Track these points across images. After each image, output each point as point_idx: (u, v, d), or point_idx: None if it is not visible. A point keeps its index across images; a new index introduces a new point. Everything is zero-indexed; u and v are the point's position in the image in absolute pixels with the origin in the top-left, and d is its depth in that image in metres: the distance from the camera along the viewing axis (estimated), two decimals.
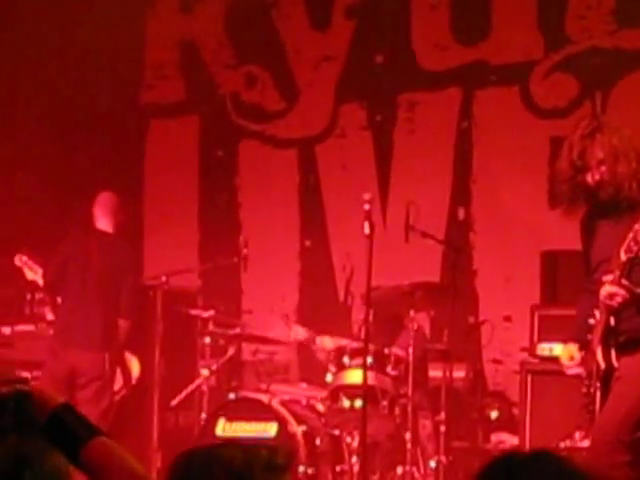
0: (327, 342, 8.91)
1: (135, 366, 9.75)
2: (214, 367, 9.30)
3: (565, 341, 7.29)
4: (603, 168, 6.63)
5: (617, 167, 6.60)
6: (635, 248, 6.24)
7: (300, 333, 9.06)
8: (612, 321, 6.55)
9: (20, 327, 10.26)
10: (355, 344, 8.65)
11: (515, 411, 8.92)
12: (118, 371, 9.51)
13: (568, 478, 2.74)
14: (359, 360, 8.39)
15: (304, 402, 8.89)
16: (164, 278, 9.89)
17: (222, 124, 11.33)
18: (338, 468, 8.33)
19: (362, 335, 8.38)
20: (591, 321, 6.69)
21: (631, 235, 6.22)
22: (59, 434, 2.86)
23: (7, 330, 10.22)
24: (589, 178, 6.66)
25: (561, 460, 2.74)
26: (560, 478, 2.67)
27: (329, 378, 8.67)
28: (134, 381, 9.74)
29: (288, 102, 11.12)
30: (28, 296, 10.32)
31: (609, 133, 6.75)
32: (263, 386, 9.12)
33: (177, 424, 9.48)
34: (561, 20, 9.98)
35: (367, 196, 8.30)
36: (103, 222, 9.58)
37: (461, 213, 10.23)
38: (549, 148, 9.45)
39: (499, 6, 10.23)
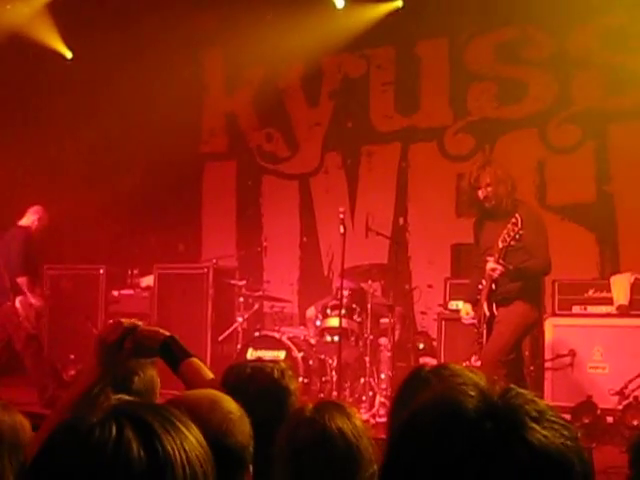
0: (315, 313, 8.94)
1: None
2: (245, 316, 9.29)
3: (464, 301, 7.37)
4: (489, 189, 6.71)
5: (498, 188, 6.69)
6: (508, 240, 6.31)
7: (312, 312, 8.99)
8: (493, 286, 6.63)
9: (124, 291, 10.28)
10: (334, 302, 8.66)
11: (434, 343, 8.91)
12: None
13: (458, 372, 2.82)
14: (336, 312, 8.44)
15: (302, 338, 8.87)
16: (214, 260, 9.94)
17: (251, 165, 11.26)
18: (323, 379, 8.34)
19: (338, 296, 8.44)
20: (480, 287, 6.76)
21: (505, 231, 6.29)
22: (167, 355, 2.89)
23: (116, 293, 10.21)
24: (480, 194, 6.75)
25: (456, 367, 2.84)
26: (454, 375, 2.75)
27: (318, 323, 8.72)
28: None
29: (292, 151, 11.08)
30: (129, 272, 10.29)
31: (494, 166, 6.84)
32: (276, 328, 9.11)
33: (222, 352, 9.44)
34: (464, 100, 9.99)
35: (341, 209, 8.38)
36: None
37: (401, 220, 10.22)
38: (455, 179, 9.49)
39: (424, 91, 10.24)
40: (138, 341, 2.93)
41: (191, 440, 1.40)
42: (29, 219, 8.84)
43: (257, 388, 3.01)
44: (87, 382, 2.89)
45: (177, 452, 1.36)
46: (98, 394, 3.22)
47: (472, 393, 1.20)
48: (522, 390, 1.22)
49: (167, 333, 2.96)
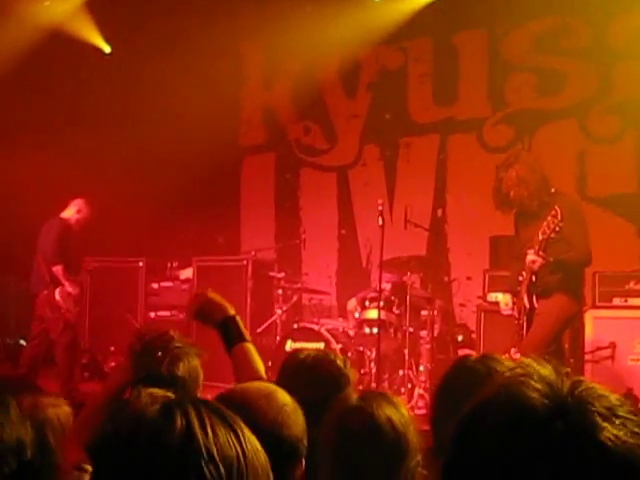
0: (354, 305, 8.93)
1: None
2: (284, 308, 9.34)
3: (503, 292, 7.34)
4: (512, 192, 6.76)
5: (519, 190, 6.71)
6: (548, 232, 6.28)
7: (352, 304, 8.96)
8: (533, 278, 6.60)
9: (163, 283, 10.33)
10: (373, 294, 8.67)
11: (473, 336, 8.89)
12: None
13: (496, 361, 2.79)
14: (375, 304, 8.46)
15: (341, 330, 8.88)
16: (254, 253, 9.99)
17: (289, 158, 11.31)
18: (362, 371, 8.27)
19: (377, 288, 8.44)
20: (520, 278, 6.74)
21: (545, 223, 6.27)
22: (225, 331, 3.02)
23: (155, 285, 10.29)
24: (510, 194, 6.81)
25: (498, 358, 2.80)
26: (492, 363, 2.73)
27: (356, 315, 8.74)
28: None
29: (330, 144, 11.10)
30: (168, 264, 10.36)
31: (518, 167, 6.86)
32: (315, 320, 9.12)
33: (261, 344, 9.43)
34: (502, 91, 9.96)
35: (380, 201, 8.39)
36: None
37: (439, 212, 10.21)
38: (494, 171, 9.43)
39: (462, 83, 10.21)
40: (205, 308, 3.07)
41: (251, 436, 1.42)
42: (70, 211, 8.98)
43: (320, 373, 3.04)
44: (118, 381, 2.96)
45: (245, 443, 1.38)
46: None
47: (539, 386, 1.16)
48: (591, 383, 1.18)
49: (232, 312, 3.06)
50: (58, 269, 8.65)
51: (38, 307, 8.75)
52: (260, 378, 2.93)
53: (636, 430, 1.12)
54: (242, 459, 1.35)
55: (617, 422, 1.11)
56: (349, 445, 2.44)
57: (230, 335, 3.00)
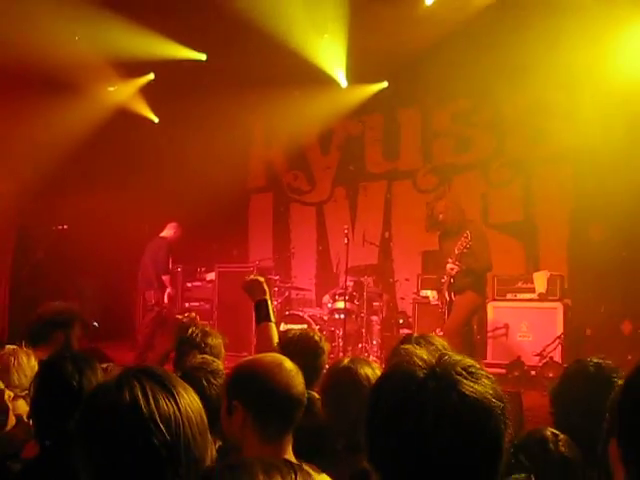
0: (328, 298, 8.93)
1: None
2: (279, 300, 9.32)
3: (431, 289, 7.40)
4: (441, 215, 6.80)
5: (447, 215, 6.75)
6: (461, 248, 6.36)
7: (326, 298, 8.96)
8: (452, 280, 6.65)
9: (195, 283, 10.30)
10: (340, 291, 8.66)
11: (410, 320, 8.89)
12: None
13: (432, 338, 2.84)
14: (342, 297, 8.46)
15: (318, 316, 8.87)
16: (257, 262, 9.97)
17: (282, 196, 11.29)
18: (333, 344, 8.17)
19: (343, 287, 8.47)
20: (442, 280, 6.79)
21: (460, 242, 6.35)
22: (257, 309, 3.03)
23: (189, 284, 10.26)
24: (439, 218, 6.85)
25: (430, 336, 2.86)
26: (429, 340, 2.78)
27: (329, 305, 8.75)
28: None
29: (311, 186, 11.10)
30: (198, 269, 10.35)
31: (445, 200, 6.95)
32: (300, 309, 9.12)
33: None
34: (430, 151, 10.01)
35: (345, 226, 8.43)
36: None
37: (387, 234, 10.25)
38: (424, 206, 9.43)
39: (403, 145, 10.26)
40: (252, 286, 3.06)
41: (185, 394, 1.38)
42: (169, 232, 8.70)
43: (303, 346, 3.04)
44: (164, 348, 2.94)
45: (189, 403, 1.37)
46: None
47: (420, 363, 1.23)
48: (453, 354, 1.26)
49: (265, 296, 3.03)
50: (167, 278, 8.52)
51: (147, 301, 8.59)
52: (274, 349, 2.87)
53: (484, 381, 1.21)
54: (177, 413, 1.32)
55: (471, 377, 1.20)
56: (339, 391, 2.44)
57: (259, 314, 2.97)
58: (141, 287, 8.77)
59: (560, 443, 2.31)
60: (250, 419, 2.03)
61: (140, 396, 1.30)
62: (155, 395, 1.32)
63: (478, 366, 1.25)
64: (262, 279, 3.19)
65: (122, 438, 1.27)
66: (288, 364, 2.16)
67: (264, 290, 3.13)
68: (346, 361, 2.58)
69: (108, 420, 1.30)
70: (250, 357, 2.30)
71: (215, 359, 3.00)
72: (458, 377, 1.19)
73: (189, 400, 1.37)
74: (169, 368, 2.98)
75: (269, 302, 3.07)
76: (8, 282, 9.99)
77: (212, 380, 2.62)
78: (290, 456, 2.05)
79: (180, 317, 3.15)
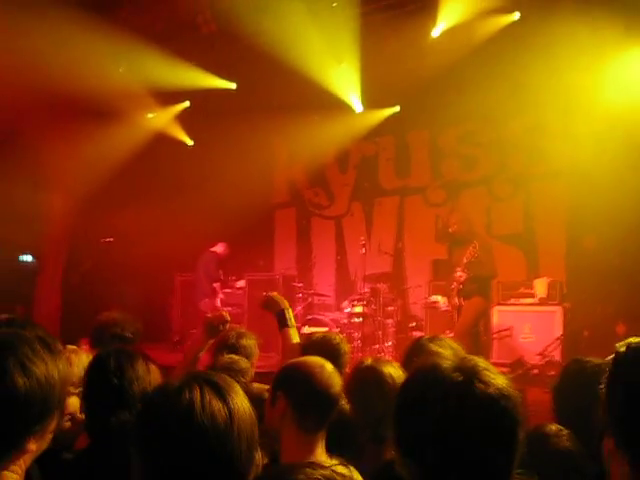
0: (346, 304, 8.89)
1: None
2: (302, 306, 9.33)
3: (441, 295, 7.36)
4: (455, 227, 6.77)
5: (460, 227, 6.72)
6: (469, 257, 6.33)
7: (345, 303, 8.89)
8: (460, 287, 6.62)
9: (227, 290, 10.20)
10: (358, 296, 8.66)
11: (422, 323, 8.85)
12: None
13: (443, 340, 2.80)
14: (360, 302, 8.45)
15: (338, 319, 8.83)
16: (283, 271, 10.01)
17: (304, 211, 11.27)
18: (351, 345, 8.22)
19: (361, 292, 8.45)
20: (452, 286, 6.76)
21: (468, 252, 6.32)
22: (279, 318, 3.05)
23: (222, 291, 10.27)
24: (450, 230, 6.80)
25: (441, 337, 2.82)
26: (440, 342, 2.74)
27: (348, 310, 8.71)
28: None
29: (330, 202, 11.07)
30: (230, 278, 10.34)
31: (457, 213, 6.90)
32: (322, 313, 9.13)
33: None
34: (439, 169, 9.95)
35: (362, 238, 8.46)
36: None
37: (400, 244, 10.16)
38: (434, 218, 9.50)
39: (413, 163, 10.24)
40: (268, 302, 3.08)
41: (238, 399, 1.35)
42: (219, 248, 9.30)
43: (325, 347, 3.02)
44: (196, 347, 2.92)
45: (239, 403, 1.33)
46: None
47: (446, 359, 1.29)
48: (472, 356, 1.31)
49: (284, 306, 3.05)
50: (218, 285, 8.95)
51: (202, 309, 8.73)
52: (295, 348, 2.88)
53: (503, 377, 1.28)
54: (229, 419, 1.29)
55: (491, 372, 1.26)
56: (365, 388, 2.42)
57: (280, 323, 3.01)
58: (195, 298, 8.94)
59: (565, 438, 2.26)
60: (290, 409, 2.05)
61: (197, 402, 1.28)
62: (211, 403, 1.29)
63: (494, 368, 1.29)
64: (275, 294, 3.25)
65: (172, 442, 1.24)
66: (329, 366, 2.16)
67: (279, 303, 3.17)
68: (369, 361, 2.56)
69: (163, 422, 1.27)
70: (293, 360, 2.29)
71: (242, 358, 2.97)
72: (481, 369, 1.25)
73: (243, 411, 1.33)
74: (200, 366, 2.96)
75: (286, 312, 3.11)
76: (60, 289, 10.10)
77: (239, 378, 2.64)
78: (323, 449, 2.05)
79: (209, 315, 3.11)
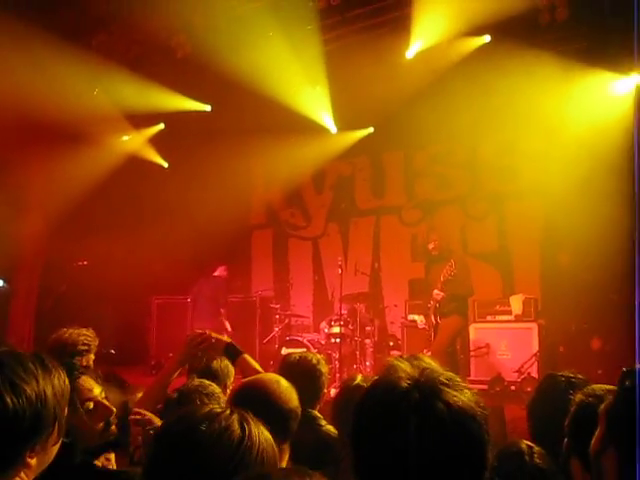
0: (324, 324, 8.86)
1: None
2: (280, 327, 9.28)
3: (418, 314, 7.37)
4: (433, 244, 6.79)
5: (437, 245, 6.75)
6: (446, 276, 6.37)
7: (323, 324, 8.87)
8: (437, 305, 6.66)
9: None
10: (336, 317, 8.64)
11: (400, 342, 8.85)
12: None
13: (421, 358, 2.81)
14: (338, 323, 8.42)
15: (316, 340, 8.74)
16: (260, 292, 9.98)
17: (281, 232, 11.25)
18: (330, 366, 8.15)
19: (339, 313, 8.43)
20: (428, 305, 6.79)
21: (444, 270, 6.36)
22: (228, 353, 2.83)
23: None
24: (429, 247, 6.83)
25: (419, 356, 2.82)
26: (418, 360, 2.75)
27: (326, 330, 8.68)
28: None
29: (307, 222, 11.08)
30: None
31: (435, 231, 6.92)
32: (299, 334, 9.06)
33: (266, 350, 9.36)
34: (413, 188, 10.04)
35: (339, 258, 8.43)
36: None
37: (376, 265, 10.18)
38: (410, 238, 9.53)
39: (388, 184, 10.31)
40: (211, 343, 2.85)
41: (263, 429, 1.38)
42: (221, 272, 9.31)
43: (302, 369, 3.02)
44: (170, 369, 2.80)
45: (260, 434, 1.35)
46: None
47: (403, 376, 1.19)
48: (434, 368, 1.22)
49: (228, 340, 2.88)
50: (224, 311, 9.02)
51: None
52: (257, 371, 2.77)
53: (466, 392, 1.17)
54: (261, 449, 1.32)
55: (454, 388, 1.16)
56: (350, 406, 2.40)
57: (232, 353, 2.85)
58: (196, 322, 8.86)
59: (535, 455, 2.27)
60: None
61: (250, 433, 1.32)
62: (257, 433, 1.33)
63: (458, 379, 1.20)
64: (209, 332, 2.93)
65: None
66: (284, 382, 2.16)
67: (221, 339, 2.91)
68: (359, 379, 2.56)
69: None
70: (249, 378, 2.27)
71: (212, 383, 2.92)
72: (442, 387, 1.14)
73: (266, 435, 1.36)
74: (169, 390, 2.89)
75: (231, 342, 2.91)
76: (34, 313, 9.94)
77: (206, 401, 2.59)
78: (287, 463, 2.05)
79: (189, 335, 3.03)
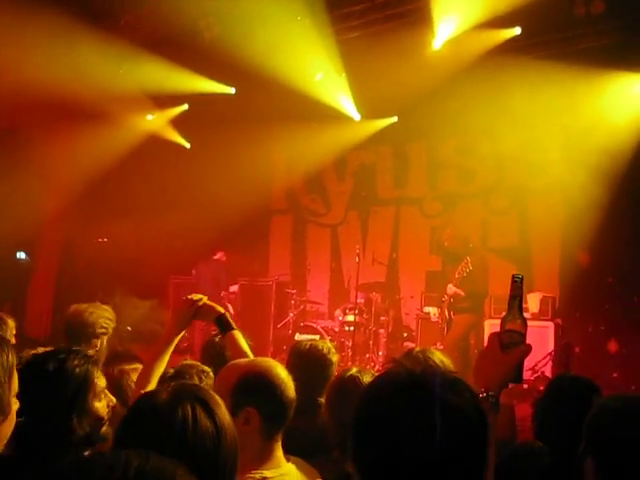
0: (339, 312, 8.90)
1: None
2: (295, 312, 9.35)
3: (433, 306, 7.38)
4: (448, 242, 6.77)
5: (453, 242, 6.74)
6: (461, 273, 6.35)
7: (338, 312, 8.90)
8: (451, 300, 6.65)
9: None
10: (351, 305, 8.67)
11: (414, 333, 8.85)
12: None
13: (432, 351, 2.79)
14: (352, 311, 8.46)
15: (330, 327, 8.85)
16: (276, 277, 10.02)
17: (301, 218, 11.24)
18: (342, 354, 8.15)
19: (354, 301, 8.45)
20: (443, 299, 6.79)
21: (460, 267, 6.35)
22: (220, 324, 2.67)
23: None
24: (445, 244, 6.81)
25: (432, 350, 2.82)
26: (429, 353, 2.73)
27: (340, 318, 8.73)
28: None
29: (327, 210, 11.05)
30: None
31: (451, 227, 6.89)
32: (314, 321, 9.13)
33: (279, 335, 9.43)
34: (435, 180, 9.97)
35: (357, 247, 8.46)
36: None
37: (394, 254, 10.13)
38: (429, 230, 9.49)
39: (410, 174, 10.22)
40: (203, 309, 2.72)
41: (225, 412, 1.38)
42: (220, 256, 9.56)
43: (312, 357, 3.02)
44: (167, 337, 2.67)
45: (225, 419, 1.36)
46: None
47: (404, 373, 1.20)
48: (437, 367, 1.24)
49: (222, 310, 2.76)
50: (225, 294, 9.27)
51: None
52: (243, 351, 2.65)
53: (466, 395, 1.18)
54: (215, 436, 1.32)
55: (452, 389, 1.17)
56: (342, 398, 2.40)
57: (223, 326, 2.70)
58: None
59: (544, 454, 2.27)
60: (258, 421, 1.98)
61: (189, 420, 1.31)
62: (201, 421, 1.32)
63: (462, 380, 1.21)
64: (199, 296, 2.75)
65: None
66: (281, 368, 2.12)
67: (215, 308, 2.75)
68: (354, 370, 2.56)
69: (152, 438, 1.28)
70: (245, 362, 2.20)
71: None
72: (440, 388, 1.16)
73: (226, 423, 1.36)
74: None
75: (227, 315, 2.76)
76: (53, 288, 10.10)
77: (203, 378, 2.61)
78: (281, 452, 2.05)
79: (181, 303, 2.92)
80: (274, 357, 8.80)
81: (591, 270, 8.03)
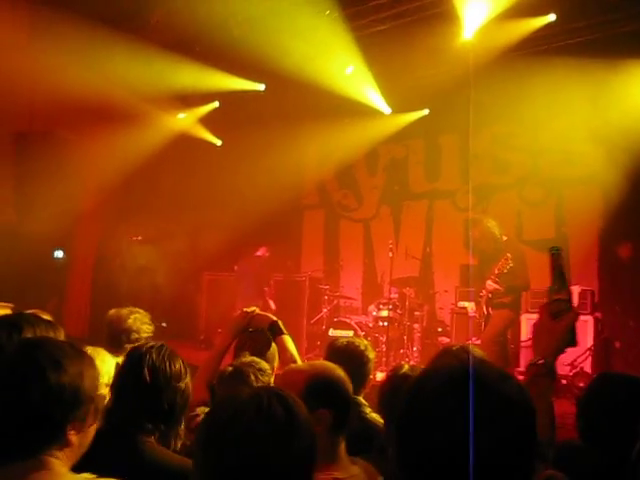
0: (373, 307, 8.87)
1: None
2: (328, 308, 9.36)
3: (469, 301, 7.28)
4: (476, 243, 6.67)
5: (480, 243, 6.62)
6: (502, 269, 6.25)
7: (372, 307, 8.89)
8: (490, 295, 6.55)
9: None
10: (384, 300, 8.64)
11: (448, 328, 8.81)
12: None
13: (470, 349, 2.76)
14: (386, 306, 8.43)
15: (364, 323, 8.81)
16: (310, 272, 10.03)
17: (333, 213, 11.25)
18: (377, 350, 8.14)
19: (388, 296, 8.42)
20: (480, 294, 6.69)
21: (500, 262, 6.25)
22: (272, 330, 2.95)
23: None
24: (475, 245, 6.72)
25: (472, 347, 2.79)
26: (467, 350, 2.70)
27: (374, 313, 8.70)
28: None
29: (359, 204, 11.04)
30: None
31: (475, 229, 6.74)
32: (348, 316, 9.10)
33: (313, 331, 9.46)
34: (467, 172, 9.81)
35: (390, 241, 8.43)
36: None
37: (428, 249, 10.04)
38: (463, 223, 9.36)
39: (443, 167, 10.14)
40: (256, 318, 2.98)
41: (300, 409, 1.41)
42: (262, 252, 9.48)
43: (349, 355, 3.03)
44: (222, 345, 2.97)
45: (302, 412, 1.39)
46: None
47: (457, 367, 1.19)
48: (483, 359, 1.26)
49: (274, 318, 3.01)
50: (267, 290, 9.21)
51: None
52: (292, 355, 2.89)
53: (517, 387, 1.18)
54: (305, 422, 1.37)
55: (506, 382, 1.17)
56: (396, 395, 2.36)
57: (275, 331, 2.98)
58: (242, 302, 9.01)
59: (592, 455, 2.23)
60: (330, 422, 2.00)
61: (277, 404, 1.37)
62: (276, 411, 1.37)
63: (511, 375, 1.21)
64: (252, 308, 3.13)
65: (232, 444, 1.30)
66: (340, 370, 2.16)
67: (266, 315, 3.09)
68: (406, 368, 2.57)
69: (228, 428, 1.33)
70: (306, 366, 2.25)
71: (262, 361, 2.99)
72: (495, 380, 1.16)
73: (302, 414, 1.41)
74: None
75: (278, 322, 3.04)
76: (90, 286, 10.27)
77: (259, 376, 2.69)
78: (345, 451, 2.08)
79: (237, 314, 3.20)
80: (308, 353, 8.89)
81: (631, 262, 7.85)
